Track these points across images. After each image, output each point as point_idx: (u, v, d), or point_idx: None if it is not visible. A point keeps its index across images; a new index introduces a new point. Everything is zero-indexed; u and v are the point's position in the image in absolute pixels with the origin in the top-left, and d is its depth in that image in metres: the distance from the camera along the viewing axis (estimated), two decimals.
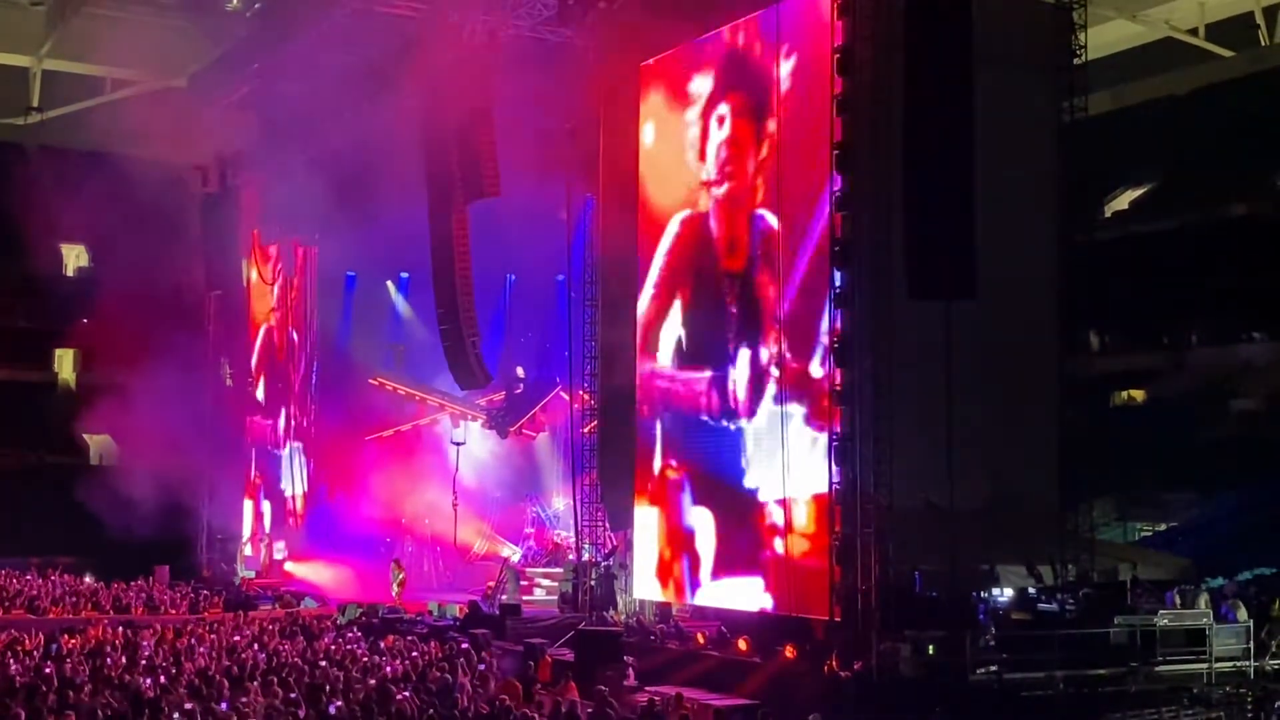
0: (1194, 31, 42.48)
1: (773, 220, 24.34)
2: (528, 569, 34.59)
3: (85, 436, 48.57)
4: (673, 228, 26.88)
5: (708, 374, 25.69)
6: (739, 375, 24.84)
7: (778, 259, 24.16)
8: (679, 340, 26.62)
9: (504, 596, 31.04)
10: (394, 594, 32.59)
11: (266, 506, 42.65)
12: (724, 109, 25.80)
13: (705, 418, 25.65)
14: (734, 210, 25.43)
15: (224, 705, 16.07)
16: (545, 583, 33.25)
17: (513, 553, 36.67)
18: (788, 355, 23.61)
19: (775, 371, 23.85)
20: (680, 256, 26.76)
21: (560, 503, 36.05)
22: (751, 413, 24.44)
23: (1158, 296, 37.86)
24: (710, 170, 26.09)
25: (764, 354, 24.27)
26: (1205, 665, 20.90)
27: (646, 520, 27.04)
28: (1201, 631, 21.16)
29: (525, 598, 31.68)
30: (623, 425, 27.86)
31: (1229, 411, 35.55)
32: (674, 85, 27.33)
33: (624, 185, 28.10)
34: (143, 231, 39.94)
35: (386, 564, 34.89)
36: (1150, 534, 32.63)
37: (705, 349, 25.91)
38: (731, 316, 25.23)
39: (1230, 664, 21.03)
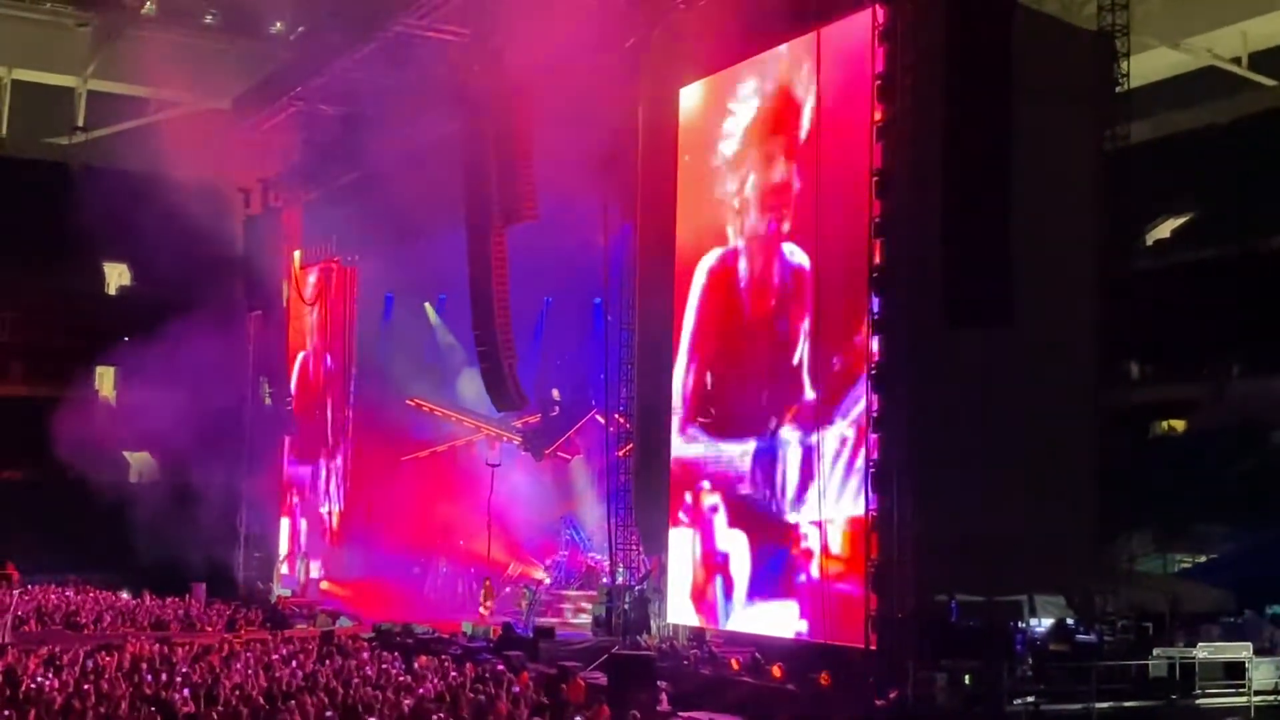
0: (1237, 60, 42.25)
1: (804, 253, 24.34)
2: (540, 591, 34.51)
3: (125, 454, 48.96)
4: (700, 277, 26.97)
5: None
6: (775, 403, 24.84)
7: (811, 286, 24.14)
8: (709, 378, 26.67)
9: (530, 619, 31.19)
10: (481, 611, 32.70)
11: (303, 525, 42.87)
12: (761, 135, 25.84)
13: (739, 441, 25.66)
14: (767, 236, 25.44)
15: None
16: (569, 605, 33.37)
17: (545, 575, 36.69)
18: (825, 379, 23.57)
19: (811, 396, 23.81)
20: (710, 304, 26.80)
21: (594, 525, 36.03)
22: (786, 438, 24.41)
23: (1198, 327, 37.55)
24: (745, 196, 26.11)
25: (801, 382, 24.24)
26: (1245, 699, 20.70)
27: (681, 543, 27.01)
28: (1241, 665, 20.97)
29: (546, 619, 31.69)
30: (657, 448, 27.86)
31: (1269, 443, 35.21)
32: (712, 110, 27.40)
33: (661, 210, 28.17)
34: (185, 251, 40.32)
35: (421, 584, 34.98)
36: (1189, 566, 32.33)
37: (740, 376, 25.91)
38: (766, 350, 25.21)
39: (1272, 698, 20.82)
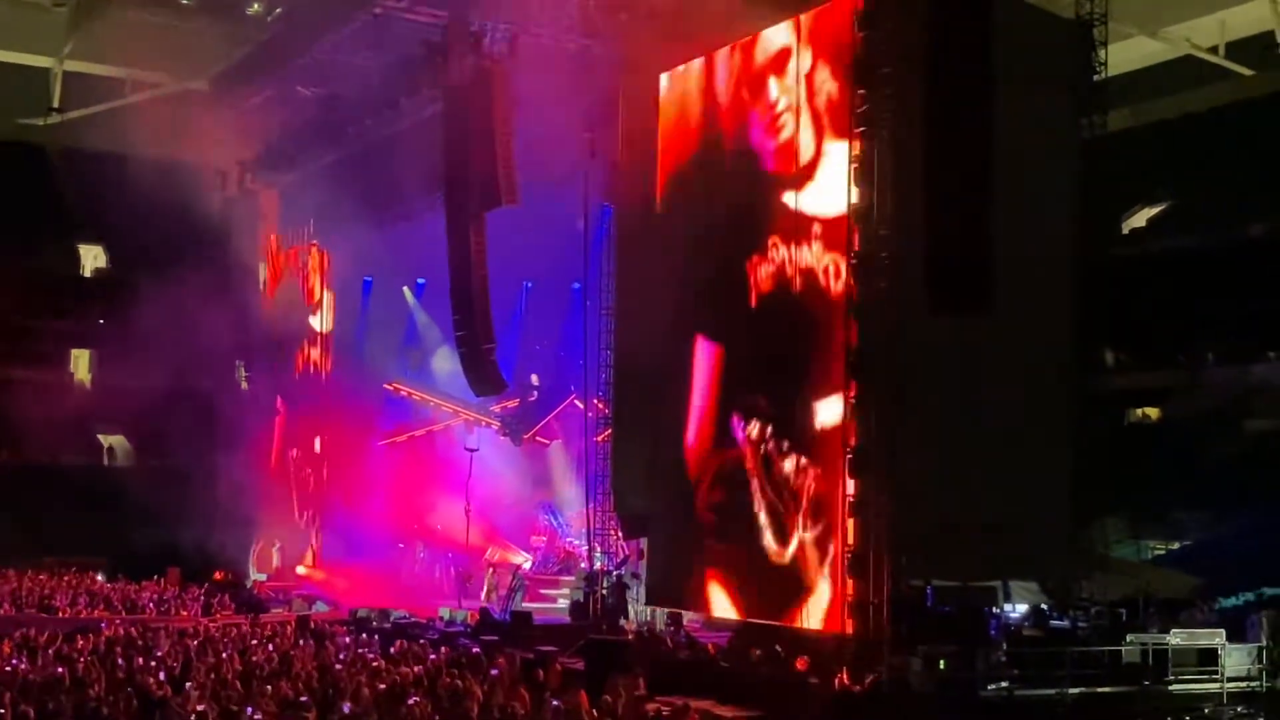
0: (1214, 50, 42.41)
1: (783, 238, 24.35)
2: (520, 576, 34.54)
3: (100, 437, 48.74)
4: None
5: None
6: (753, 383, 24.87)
7: (791, 271, 24.15)
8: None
9: (511, 604, 31.20)
10: (483, 599, 32.67)
11: (279, 510, 42.73)
12: (741, 119, 25.82)
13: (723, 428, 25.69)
14: (751, 222, 25.43)
15: (250, 710, 16.02)
16: (549, 592, 33.41)
17: (525, 560, 36.73)
18: (804, 364, 23.60)
19: (789, 380, 23.85)
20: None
21: (572, 511, 36.07)
22: (768, 422, 24.44)
23: (1174, 315, 37.77)
24: (725, 180, 26.09)
25: (782, 367, 24.28)
26: (1218, 685, 20.86)
27: (660, 527, 27.04)
28: (1214, 651, 21.13)
29: (529, 605, 31.73)
30: (636, 434, 27.87)
31: (1244, 431, 35.44)
32: (693, 95, 27.37)
33: (642, 194, 28.15)
34: (161, 233, 40.08)
35: (399, 568, 34.93)
36: (1163, 552, 32.55)
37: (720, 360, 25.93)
38: (744, 331, 25.24)
39: (1245, 684, 21.00)
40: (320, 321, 41.99)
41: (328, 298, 41.33)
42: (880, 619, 21.12)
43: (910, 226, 20.91)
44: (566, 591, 32.24)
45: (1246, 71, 42.07)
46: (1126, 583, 24.23)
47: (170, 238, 40.21)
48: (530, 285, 39.15)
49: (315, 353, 41.79)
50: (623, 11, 28.38)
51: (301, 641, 24.54)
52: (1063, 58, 23.46)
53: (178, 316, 39.91)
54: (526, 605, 31.53)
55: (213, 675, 19.21)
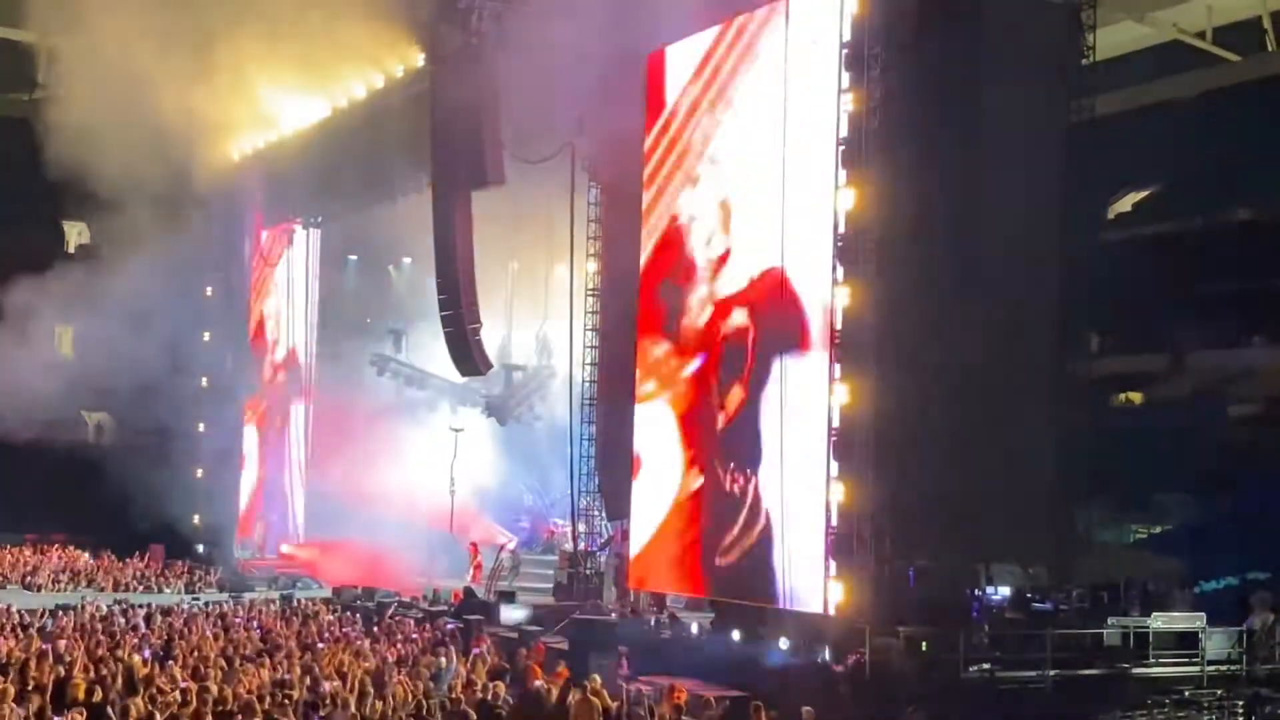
0: (1202, 35, 42.47)
1: (769, 217, 24.30)
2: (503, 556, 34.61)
3: (83, 414, 48.60)
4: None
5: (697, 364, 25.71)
6: (733, 372, 24.87)
7: (775, 251, 24.12)
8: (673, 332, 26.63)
9: (504, 583, 31.24)
10: (468, 577, 32.74)
11: (264, 488, 42.72)
12: (729, 100, 25.76)
13: (702, 410, 25.68)
14: (733, 200, 25.40)
15: (233, 688, 16.01)
16: (541, 571, 33.40)
17: (508, 540, 36.76)
18: (787, 348, 23.59)
19: (773, 365, 23.84)
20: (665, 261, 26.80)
21: (556, 491, 36.09)
22: (748, 404, 24.44)
23: (1159, 299, 37.84)
24: (711, 159, 26.05)
25: (761, 346, 24.27)
26: (1198, 668, 20.98)
27: (643, 508, 27.02)
28: (1194, 634, 21.24)
29: (521, 585, 31.78)
30: (621, 414, 27.84)
31: (1228, 415, 35.53)
32: (681, 75, 27.28)
33: (628, 174, 28.08)
34: (146, 210, 39.86)
35: (383, 547, 34.93)
36: (1146, 536, 32.65)
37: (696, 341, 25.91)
38: (722, 313, 25.22)
39: (1225, 667, 21.12)
40: (289, 304, 41.93)
41: (312, 274, 41.25)
42: (863, 600, 21.15)
43: (897, 208, 20.87)
44: (548, 571, 32.28)
45: (1234, 57, 42.14)
46: (1109, 566, 24.31)
47: (154, 215, 40.02)
48: (516, 266, 39.11)
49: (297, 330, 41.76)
50: None
51: (285, 620, 24.58)
52: (1051, 42, 23.41)
53: (162, 293, 39.80)
54: (523, 584, 31.56)
55: (196, 653, 19.23)
